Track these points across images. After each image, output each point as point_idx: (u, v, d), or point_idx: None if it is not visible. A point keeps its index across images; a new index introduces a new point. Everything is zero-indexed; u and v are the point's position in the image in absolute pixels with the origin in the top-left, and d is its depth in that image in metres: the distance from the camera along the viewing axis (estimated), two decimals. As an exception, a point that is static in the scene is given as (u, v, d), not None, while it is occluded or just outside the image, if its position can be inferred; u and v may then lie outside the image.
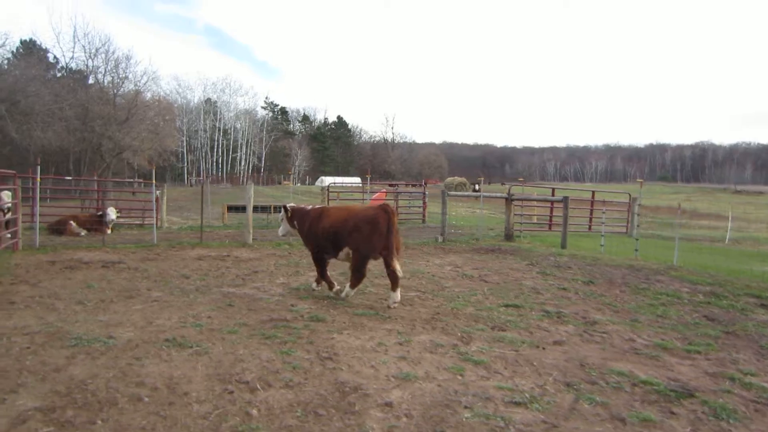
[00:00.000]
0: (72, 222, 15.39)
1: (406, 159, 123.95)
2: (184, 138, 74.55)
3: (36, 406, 3.83)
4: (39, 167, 11.59)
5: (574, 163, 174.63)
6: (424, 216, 21.75)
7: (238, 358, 5.04)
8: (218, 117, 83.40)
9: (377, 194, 22.30)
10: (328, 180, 65.13)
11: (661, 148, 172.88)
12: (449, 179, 51.14)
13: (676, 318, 7.10)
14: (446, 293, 8.36)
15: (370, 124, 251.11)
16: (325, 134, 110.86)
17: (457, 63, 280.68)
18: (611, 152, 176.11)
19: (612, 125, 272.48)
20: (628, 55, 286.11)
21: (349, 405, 4.05)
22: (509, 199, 16.31)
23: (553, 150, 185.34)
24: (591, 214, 19.12)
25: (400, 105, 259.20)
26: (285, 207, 8.52)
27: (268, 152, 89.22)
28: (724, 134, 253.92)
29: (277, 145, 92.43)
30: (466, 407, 4.06)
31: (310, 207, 8.50)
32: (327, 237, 7.73)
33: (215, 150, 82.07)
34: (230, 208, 19.09)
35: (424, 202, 21.92)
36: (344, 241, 7.56)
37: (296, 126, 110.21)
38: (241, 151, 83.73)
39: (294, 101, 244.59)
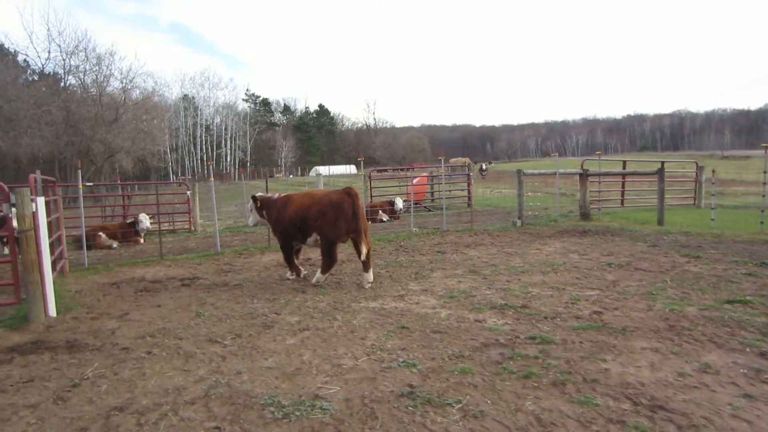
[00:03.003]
0: (101, 233, 13.46)
1: (390, 144, 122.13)
2: (167, 136, 71.55)
3: None
4: (80, 171, 9.68)
5: (554, 138, 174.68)
6: (469, 200, 20.20)
7: (534, 416, 3.46)
8: (198, 113, 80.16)
9: (418, 178, 20.65)
10: (322, 170, 63.29)
11: (639, 119, 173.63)
12: (453, 160, 49.56)
13: None
14: (628, 290, 6.85)
15: (351, 110, 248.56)
16: (308, 123, 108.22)
17: (432, 44, 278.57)
18: (590, 125, 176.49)
19: (589, 99, 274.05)
20: (600, 28, 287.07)
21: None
22: (584, 175, 14.85)
23: (533, 126, 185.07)
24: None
25: (379, 90, 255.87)
26: (254, 197, 8.55)
27: (253, 146, 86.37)
28: (700, 102, 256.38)
29: (262, 137, 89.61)
30: None
31: (276, 196, 8.50)
32: (293, 224, 7.78)
33: (198, 147, 78.99)
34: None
35: (469, 185, 20.39)
36: (311, 227, 7.61)
37: (278, 117, 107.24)
38: (226, 146, 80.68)
39: (273, 92, 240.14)
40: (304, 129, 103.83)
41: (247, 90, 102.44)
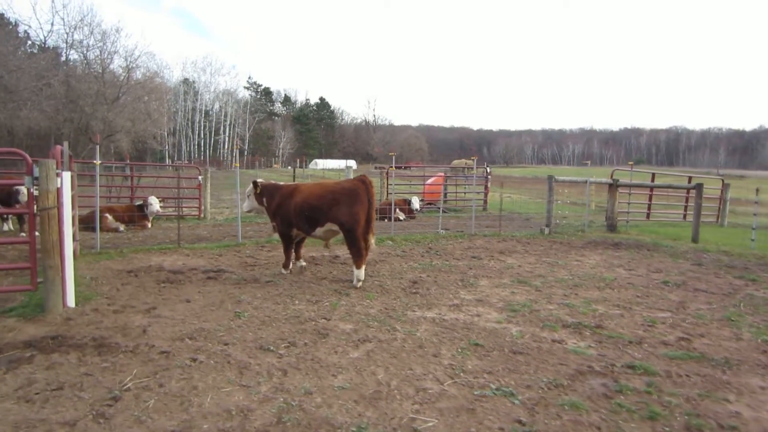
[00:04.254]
0: (108, 215, 12.70)
1: (388, 141, 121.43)
2: (165, 119, 70.25)
3: None
4: (98, 147, 8.96)
5: (551, 146, 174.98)
6: (485, 203, 19.63)
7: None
8: (198, 97, 78.82)
9: (434, 178, 20.00)
10: (321, 163, 62.59)
11: (636, 132, 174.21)
12: (456, 161, 48.95)
13: None
14: (702, 314, 6.28)
15: (352, 106, 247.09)
16: (308, 116, 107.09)
17: (433, 45, 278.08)
18: (587, 135, 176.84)
19: (586, 109, 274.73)
20: (601, 40, 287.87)
21: None
22: (614, 185, 14.31)
23: (530, 133, 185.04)
24: (686, 202, 17.34)
25: (380, 87, 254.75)
26: (255, 182, 8.22)
27: (252, 134, 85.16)
28: (696, 119, 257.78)
29: (261, 126, 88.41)
30: None
31: (282, 183, 8.26)
32: (301, 213, 7.43)
33: (196, 132, 77.66)
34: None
35: (486, 188, 19.80)
36: (324, 216, 7.28)
37: (278, 107, 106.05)
38: (224, 133, 79.37)
39: (274, 82, 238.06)
40: (303, 121, 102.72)
41: (249, 78, 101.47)
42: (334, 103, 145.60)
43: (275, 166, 66.69)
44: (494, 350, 4.80)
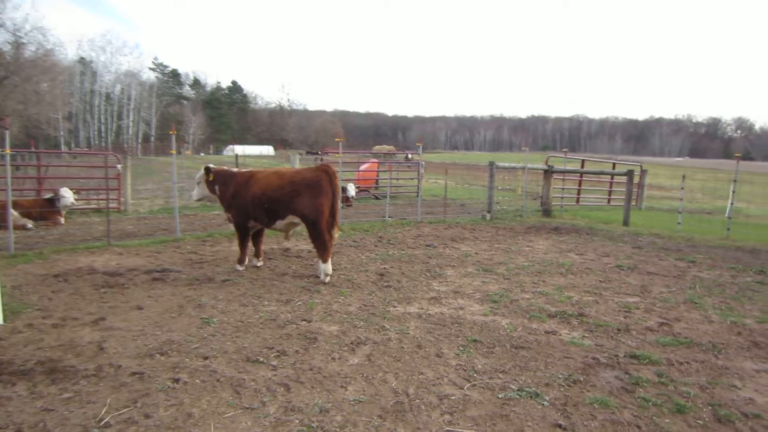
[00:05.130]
0: (13, 210, 11.21)
1: (304, 127, 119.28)
2: (59, 102, 64.18)
3: None
4: (8, 133, 7.66)
5: (464, 132, 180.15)
6: (419, 189, 19.60)
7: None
8: (97, 79, 72.63)
9: (367, 165, 19.60)
10: (238, 149, 60.16)
11: (542, 120, 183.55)
12: (378, 147, 48.91)
13: None
14: (666, 297, 6.52)
15: (265, 90, 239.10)
16: (220, 99, 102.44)
17: (349, 30, 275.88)
18: (498, 122, 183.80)
19: (497, 97, 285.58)
20: (511, 32, 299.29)
21: None
22: (549, 172, 14.75)
23: (444, 119, 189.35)
24: (610, 187, 18.28)
25: (294, 71, 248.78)
26: (207, 168, 7.47)
27: (159, 119, 79.92)
28: (596, 108, 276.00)
29: (169, 111, 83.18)
30: None
31: (235, 170, 7.55)
32: (259, 204, 6.88)
33: (96, 116, 71.64)
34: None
35: (420, 174, 19.75)
36: (285, 209, 6.78)
37: (187, 90, 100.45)
38: (128, 117, 73.75)
39: (183, 64, 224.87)
40: (215, 105, 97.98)
41: (155, 59, 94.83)
42: (247, 86, 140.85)
43: (187, 152, 63.06)
44: (495, 346, 4.61)
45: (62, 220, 11.94)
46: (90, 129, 71.25)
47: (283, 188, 6.81)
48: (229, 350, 4.36)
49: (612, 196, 18.30)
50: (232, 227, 7.66)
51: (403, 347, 4.53)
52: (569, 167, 17.44)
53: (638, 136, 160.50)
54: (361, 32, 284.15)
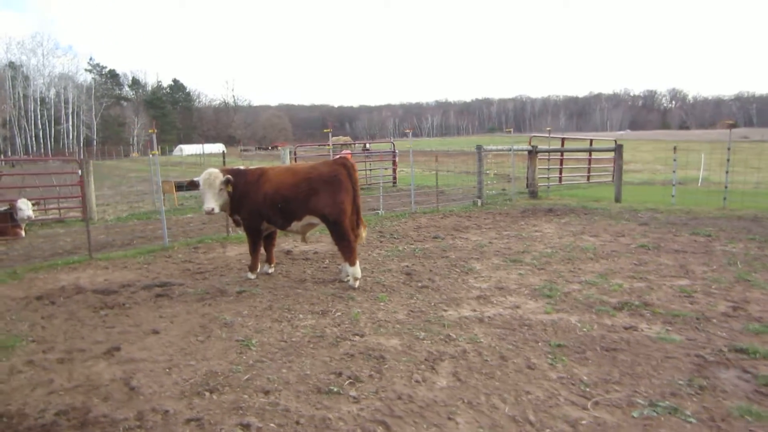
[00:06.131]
0: (-34, 226, 9.98)
1: (251, 122, 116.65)
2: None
3: None
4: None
5: (411, 119, 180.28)
6: (395, 179, 19.08)
7: None
8: (30, 83, 68.10)
9: (340, 155, 18.75)
10: (186, 149, 57.97)
11: (486, 102, 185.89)
12: (335, 138, 47.73)
13: None
14: (716, 277, 6.20)
15: (209, 87, 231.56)
16: (162, 99, 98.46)
17: (289, 24, 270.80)
18: (443, 107, 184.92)
19: (441, 82, 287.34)
20: (451, 18, 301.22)
21: None
22: (533, 152, 14.46)
23: (390, 108, 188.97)
24: (588, 164, 18.23)
25: (237, 67, 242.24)
26: (228, 179, 6.28)
27: (100, 122, 75.87)
28: (538, 88, 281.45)
29: (110, 113, 79.10)
30: None
31: (243, 168, 6.76)
32: (272, 205, 6.22)
33: (32, 122, 67.21)
34: (180, 187, 14.30)
35: (395, 163, 19.21)
36: (302, 209, 6.15)
37: (127, 91, 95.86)
38: (66, 122, 69.51)
39: (120, 64, 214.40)
40: (157, 105, 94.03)
41: (91, 59, 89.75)
42: (190, 84, 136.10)
43: (134, 154, 60.25)
44: (586, 351, 4.10)
45: (23, 233, 10.77)
46: (26, 135, 66.89)
47: (299, 186, 6.17)
48: (291, 380, 3.68)
49: (591, 173, 18.28)
50: (224, 231, 6.86)
51: (486, 360, 3.96)
52: (553, 147, 17.25)
53: (580, 112, 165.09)
54: (302, 23, 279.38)
